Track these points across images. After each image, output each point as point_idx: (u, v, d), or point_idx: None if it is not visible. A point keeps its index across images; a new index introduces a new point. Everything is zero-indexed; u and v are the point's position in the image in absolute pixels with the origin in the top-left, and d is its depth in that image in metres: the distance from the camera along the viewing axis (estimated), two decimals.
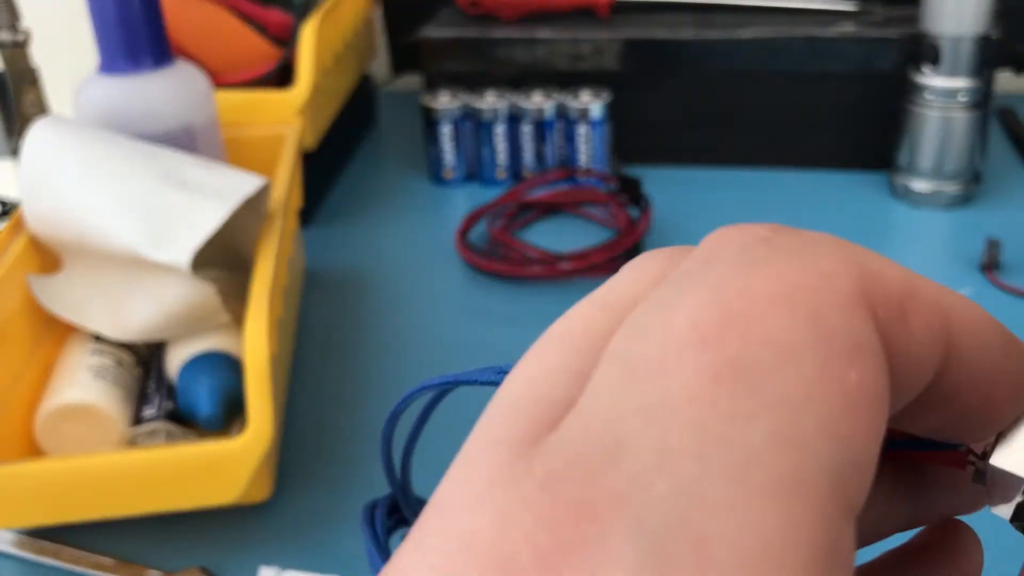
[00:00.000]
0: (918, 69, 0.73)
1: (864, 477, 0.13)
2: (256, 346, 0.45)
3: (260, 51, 0.79)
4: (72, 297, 0.54)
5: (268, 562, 0.46)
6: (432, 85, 0.85)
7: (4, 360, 0.50)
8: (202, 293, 0.52)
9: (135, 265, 0.51)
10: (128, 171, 0.53)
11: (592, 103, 0.80)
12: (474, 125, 0.83)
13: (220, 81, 0.76)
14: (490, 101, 0.82)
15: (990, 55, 0.72)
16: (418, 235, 0.77)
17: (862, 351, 0.13)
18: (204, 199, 0.51)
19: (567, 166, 0.83)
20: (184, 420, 0.52)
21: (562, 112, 0.81)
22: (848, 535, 0.12)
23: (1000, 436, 0.16)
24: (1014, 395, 0.15)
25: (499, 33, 0.84)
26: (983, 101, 0.73)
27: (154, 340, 0.54)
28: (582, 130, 0.80)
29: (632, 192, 0.73)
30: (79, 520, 0.46)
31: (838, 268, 0.13)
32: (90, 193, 0.52)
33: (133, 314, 0.53)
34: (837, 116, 0.81)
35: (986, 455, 0.16)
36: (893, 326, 0.13)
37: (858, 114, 0.80)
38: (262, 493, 0.48)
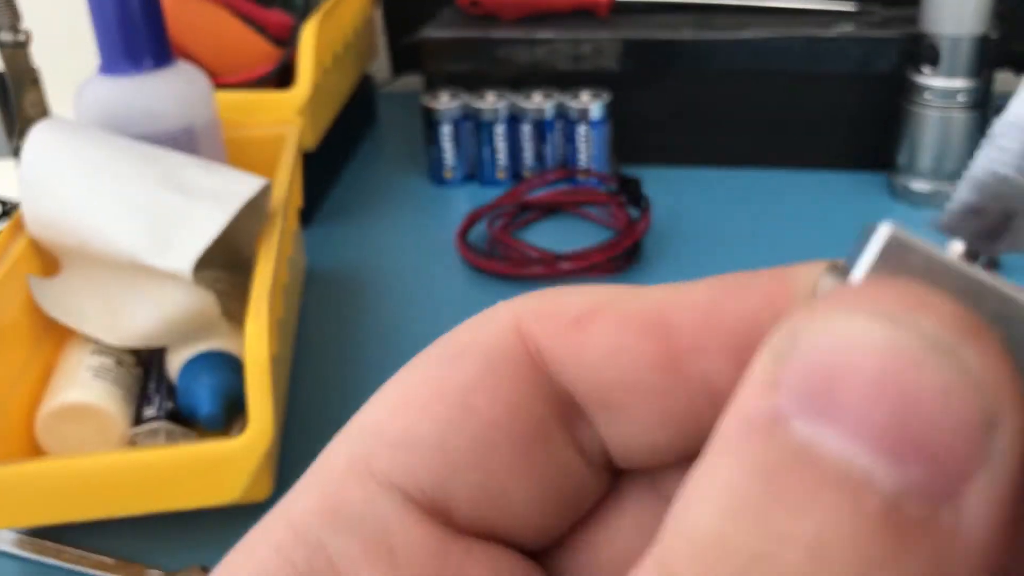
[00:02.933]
0: (917, 69, 0.73)
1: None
2: (257, 346, 0.45)
3: (260, 51, 0.79)
4: (70, 302, 0.53)
5: None
6: (432, 85, 0.85)
7: (5, 360, 0.50)
8: (202, 300, 0.52)
9: (135, 270, 0.51)
10: (128, 174, 0.52)
11: (592, 103, 0.80)
12: (474, 125, 0.83)
13: (220, 81, 0.76)
14: (490, 101, 0.82)
15: (989, 55, 0.72)
16: (418, 235, 0.77)
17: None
18: (205, 203, 0.51)
19: (567, 166, 0.82)
20: (185, 420, 0.52)
21: (562, 112, 0.81)
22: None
23: None
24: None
25: (499, 33, 0.84)
26: (982, 101, 0.73)
27: (152, 347, 0.54)
28: (582, 130, 0.80)
29: (632, 192, 0.73)
30: (80, 520, 0.46)
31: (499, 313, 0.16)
32: (90, 197, 0.52)
33: (132, 320, 0.52)
34: (836, 116, 0.81)
35: None
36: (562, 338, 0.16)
37: (857, 115, 0.80)
38: (263, 492, 0.48)
